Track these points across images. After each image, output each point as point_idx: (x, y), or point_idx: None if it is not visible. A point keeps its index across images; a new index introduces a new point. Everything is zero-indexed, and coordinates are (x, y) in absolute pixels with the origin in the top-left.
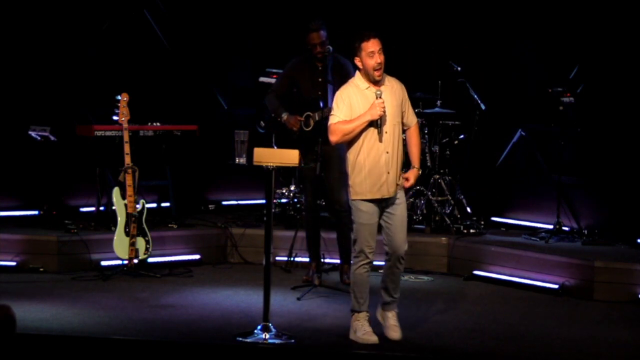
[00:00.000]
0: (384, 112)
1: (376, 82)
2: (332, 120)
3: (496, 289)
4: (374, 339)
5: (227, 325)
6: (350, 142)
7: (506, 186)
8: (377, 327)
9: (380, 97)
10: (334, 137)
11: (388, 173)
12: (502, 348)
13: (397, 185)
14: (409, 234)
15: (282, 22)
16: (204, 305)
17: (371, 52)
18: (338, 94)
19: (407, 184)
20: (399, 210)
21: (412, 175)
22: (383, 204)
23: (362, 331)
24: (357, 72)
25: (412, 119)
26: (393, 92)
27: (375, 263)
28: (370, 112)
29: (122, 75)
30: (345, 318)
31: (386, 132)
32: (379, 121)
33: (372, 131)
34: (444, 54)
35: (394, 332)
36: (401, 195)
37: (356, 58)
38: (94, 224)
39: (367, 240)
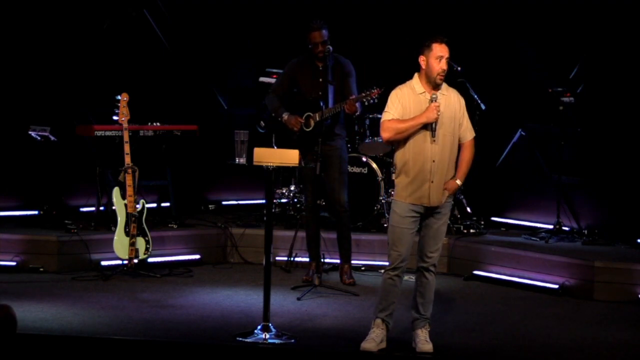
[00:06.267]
0: (439, 116)
1: (434, 87)
2: (386, 117)
3: (496, 289)
4: (368, 346)
5: (227, 325)
6: (398, 144)
7: (506, 186)
8: (399, 336)
9: (436, 101)
10: (386, 134)
11: (432, 182)
12: (502, 348)
13: (442, 195)
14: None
15: (282, 22)
16: (204, 305)
17: (440, 57)
18: (393, 92)
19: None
20: (438, 222)
21: (450, 186)
22: (424, 212)
23: (366, 337)
24: (415, 75)
25: (466, 134)
26: (448, 102)
27: (373, 263)
28: (426, 115)
29: (122, 75)
30: (345, 318)
31: (434, 141)
32: (433, 125)
33: (421, 136)
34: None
35: (423, 345)
36: (445, 208)
37: (421, 57)
38: (94, 224)
39: (394, 244)
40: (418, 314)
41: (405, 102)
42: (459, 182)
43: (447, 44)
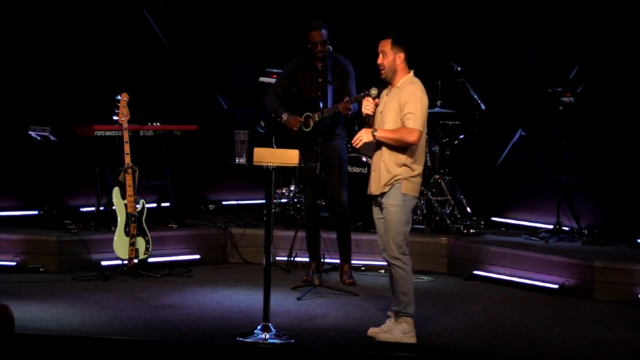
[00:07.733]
0: (372, 112)
1: (390, 83)
2: None
3: (496, 289)
4: (370, 330)
5: (227, 325)
6: None
7: (506, 186)
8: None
9: (372, 97)
10: None
11: (373, 171)
12: (502, 348)
13: (382, 187)
14: (410, 234)
15: (282, 22)
16: (204, 305)
17: (378, 52)
18: None
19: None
20: (386, 213)
21: (362, 130)
22: (378, 203)
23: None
24: None
25: (405, 122)
26: (394, 97)
27: (373, 263)
28: (362, 109)
29: (122, 75)
30: (345, 318)
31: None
32: (367, 119)
33: None
34: (444, 54)
35: (379, 331)
36: (389, 199)
37: None
38: (94, 224)
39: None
40: (394, 306)
41: (380, 99)
42: (371, 130)
43: (389, 37)
